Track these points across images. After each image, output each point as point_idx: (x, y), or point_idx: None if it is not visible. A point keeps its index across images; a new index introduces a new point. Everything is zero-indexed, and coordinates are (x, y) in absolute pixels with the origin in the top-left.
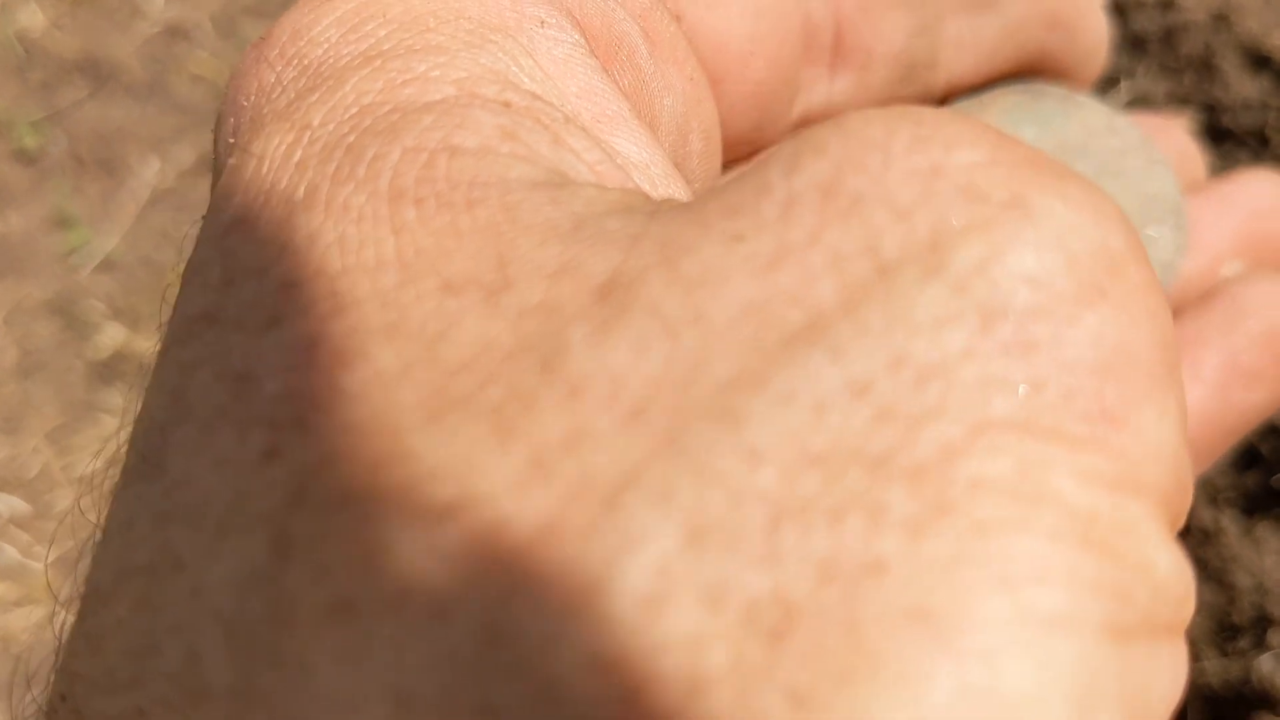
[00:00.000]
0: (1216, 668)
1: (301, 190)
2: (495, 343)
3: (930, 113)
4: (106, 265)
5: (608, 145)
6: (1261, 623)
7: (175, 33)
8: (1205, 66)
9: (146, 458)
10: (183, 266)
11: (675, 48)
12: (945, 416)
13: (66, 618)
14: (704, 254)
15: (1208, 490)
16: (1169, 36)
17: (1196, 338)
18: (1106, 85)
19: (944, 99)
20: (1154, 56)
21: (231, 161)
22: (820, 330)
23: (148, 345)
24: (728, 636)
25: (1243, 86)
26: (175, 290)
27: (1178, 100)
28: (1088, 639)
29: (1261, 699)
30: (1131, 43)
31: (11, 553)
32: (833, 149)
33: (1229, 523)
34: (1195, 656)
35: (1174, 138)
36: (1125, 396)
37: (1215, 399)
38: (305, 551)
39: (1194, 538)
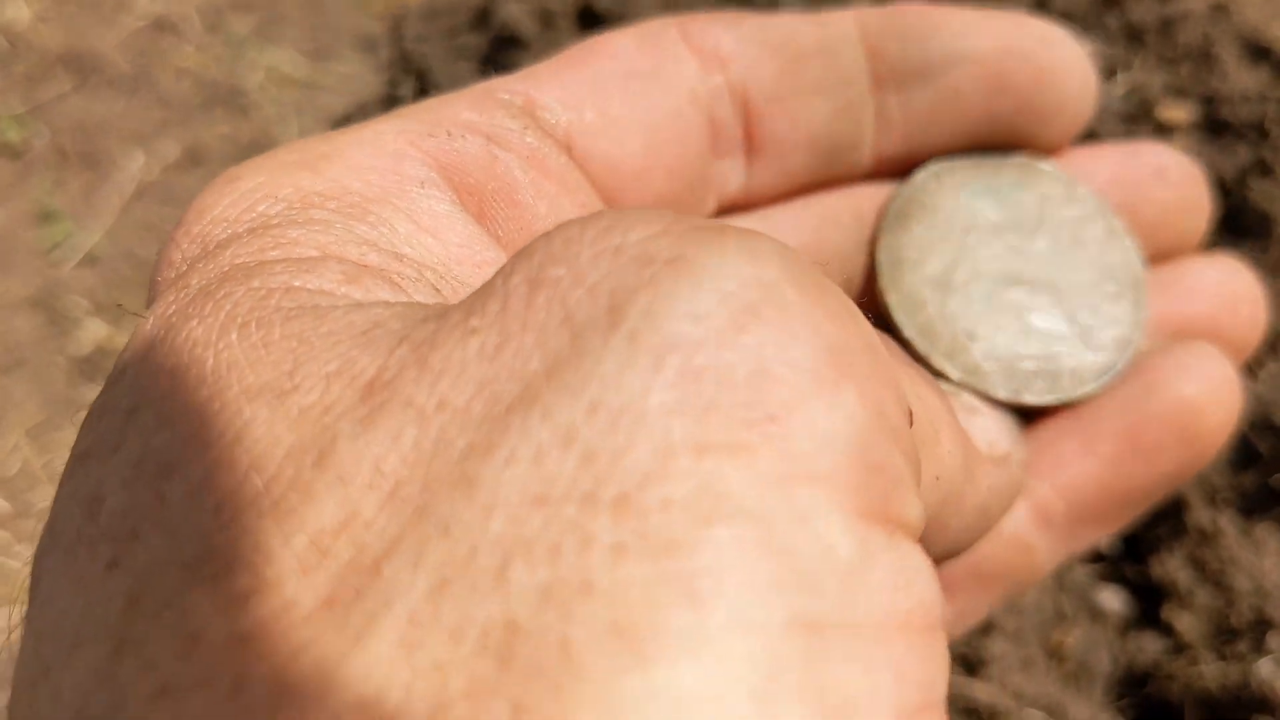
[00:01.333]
0: (1215, 671)
1: (161, 331)
2: (280, 441)
3: (618, 210)
4: (89, 260)
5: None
6: (1260, 626)
7: (161, 26)
8: (1204, 57)
9: (30, 587)
10: None
11: (566, 179)
12: (637, 449)
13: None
14: (447, 348)
15: (1206, 491)
16: (1167, 27)
17: (1096, 413)
18: (1103, 76)
19: (877, 173)
20: (1151, 48)
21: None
22: (533, 396)
23: None
24: (466, 663)
25: (1242, 78)
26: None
27: (1175, 92)
28: (769, 636)
29: (1260, 704)
30: (1128, 34)
31: None
32: (538, 251)
33: (1227, 524)
34: (1193, 660)
35: (1174, 180)
36: (788, 398)
37: (1109, 473)
38: (136, 651)
39: (1192, 539)
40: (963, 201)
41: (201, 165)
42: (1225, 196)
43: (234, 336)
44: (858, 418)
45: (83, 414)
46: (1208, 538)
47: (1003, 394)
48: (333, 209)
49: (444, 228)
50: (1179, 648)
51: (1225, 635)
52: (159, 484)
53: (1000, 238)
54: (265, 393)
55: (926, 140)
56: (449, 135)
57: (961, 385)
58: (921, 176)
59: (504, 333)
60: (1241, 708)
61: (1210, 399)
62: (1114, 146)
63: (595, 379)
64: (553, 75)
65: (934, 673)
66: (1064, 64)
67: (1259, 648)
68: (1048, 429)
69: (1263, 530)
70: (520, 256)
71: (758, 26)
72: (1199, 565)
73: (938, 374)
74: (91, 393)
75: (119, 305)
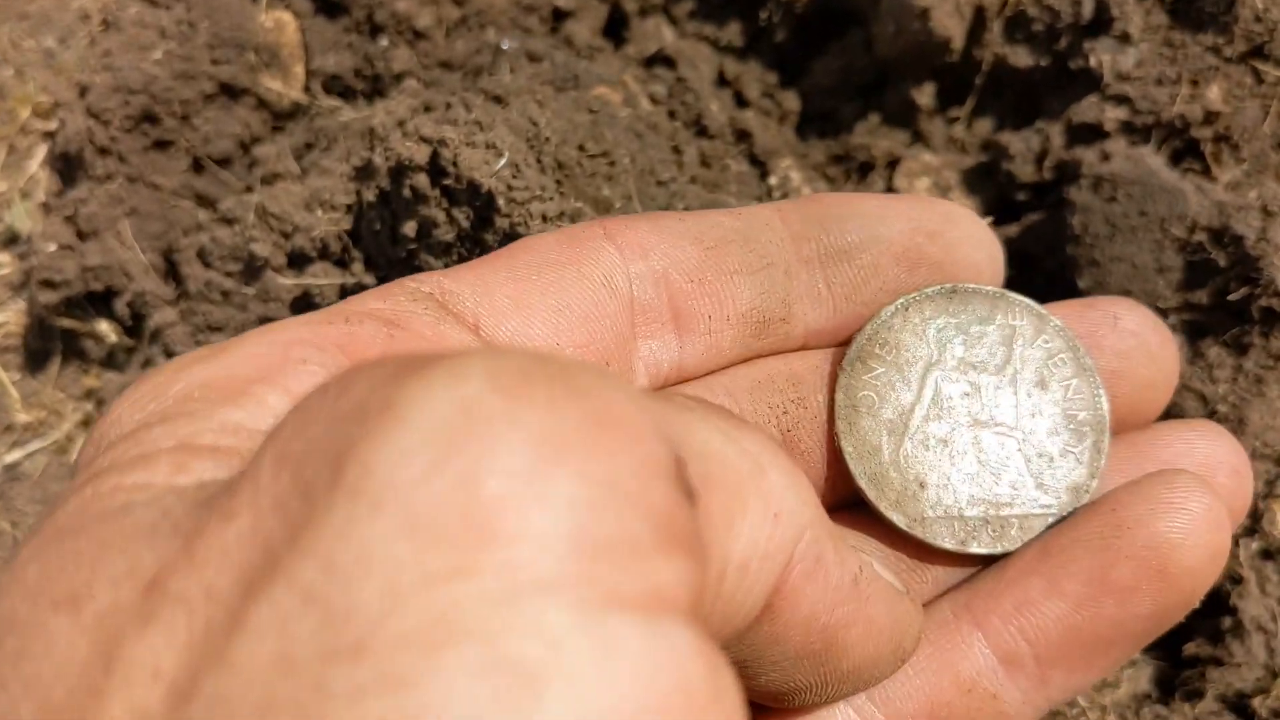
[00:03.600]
0: None
1: (19, 544)
2: (77, 651)
3: (347, 371)
4: None
5: None
6: None
7: None
8: None
9: None
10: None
11: None
12: (368, 595)
13: None
14: (210, 536)
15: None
16: None
17: (1063, 551)
18: None
19: (807, 345)
20: None
21: None
22: (275, 564)
23: None
24: None
25: None
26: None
27: None
28: None
29: None
30: None
31: None
32: (285, 427)
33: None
34: None
35: (1135, 325)
36: (502, 508)
37: (1078, 615)
38: None
39: None
40: (928, 338)
41: None
42: None
43: (51, 550)
44: (576, 501)
45: None
46: None
47: (949, 544)
48: (210, 398)
49: None
50: None
51: None
52: None
53: (965, 376)
54: (67, 603)
55: (854, 312)
56: (347, 321)
57: (908, 534)
58: (887, 312)
59: (256, 512)
60: None
61: (1188, 535)
62: (1073, 301)
63: (327, 536)
64: (469, 269)
65: None
66: (970, 237)
67: None
68: (1010, 567)
69: (1216, 354)
70: (271, 436)
71: (679, 219)
72: None
73: (885, 522)
74: None
75: None
